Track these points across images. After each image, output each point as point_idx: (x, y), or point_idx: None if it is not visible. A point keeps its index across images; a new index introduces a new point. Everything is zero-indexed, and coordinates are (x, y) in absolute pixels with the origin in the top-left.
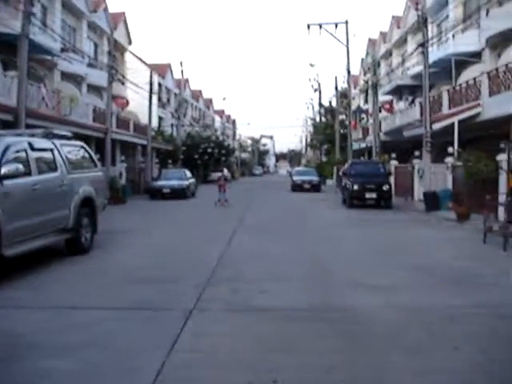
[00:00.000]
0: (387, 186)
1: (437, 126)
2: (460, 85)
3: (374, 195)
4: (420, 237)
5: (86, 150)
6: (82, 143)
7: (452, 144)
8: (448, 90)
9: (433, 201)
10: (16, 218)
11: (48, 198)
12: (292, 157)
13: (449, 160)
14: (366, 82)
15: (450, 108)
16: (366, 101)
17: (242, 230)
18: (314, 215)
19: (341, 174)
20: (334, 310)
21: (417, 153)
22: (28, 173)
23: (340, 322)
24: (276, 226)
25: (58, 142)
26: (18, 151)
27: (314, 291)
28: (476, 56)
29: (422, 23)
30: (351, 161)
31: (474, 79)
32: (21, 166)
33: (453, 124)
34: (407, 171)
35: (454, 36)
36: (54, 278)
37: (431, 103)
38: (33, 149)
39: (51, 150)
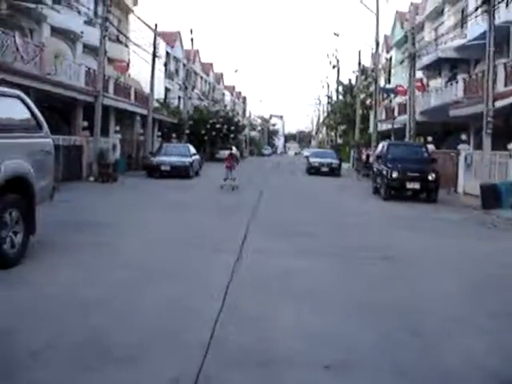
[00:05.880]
0: (433, 175)
1: (503, 102)
2: None
3: (417, 185)
4: None
5: (26, 104)
6: (18, 93)
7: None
8: (505, 64)
9: (492, 196)
10: None
11: None
12: (301, 138)
13: None
14: (390, 60)
15: (506, 85)
16: (389, 81)
17: (256, 232)
18: (348, 211)
19: (364, 157)
20: None
21: (463, 136)
22: None
23: None
24: (302, 226)
25: None
26: None
27: None
28: None
29: None
30: (388, 142)
31: None
32: None
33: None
34: (449, 158)
35: (508, 2)
36: None
37: (480, 79)
38: None
39: None
